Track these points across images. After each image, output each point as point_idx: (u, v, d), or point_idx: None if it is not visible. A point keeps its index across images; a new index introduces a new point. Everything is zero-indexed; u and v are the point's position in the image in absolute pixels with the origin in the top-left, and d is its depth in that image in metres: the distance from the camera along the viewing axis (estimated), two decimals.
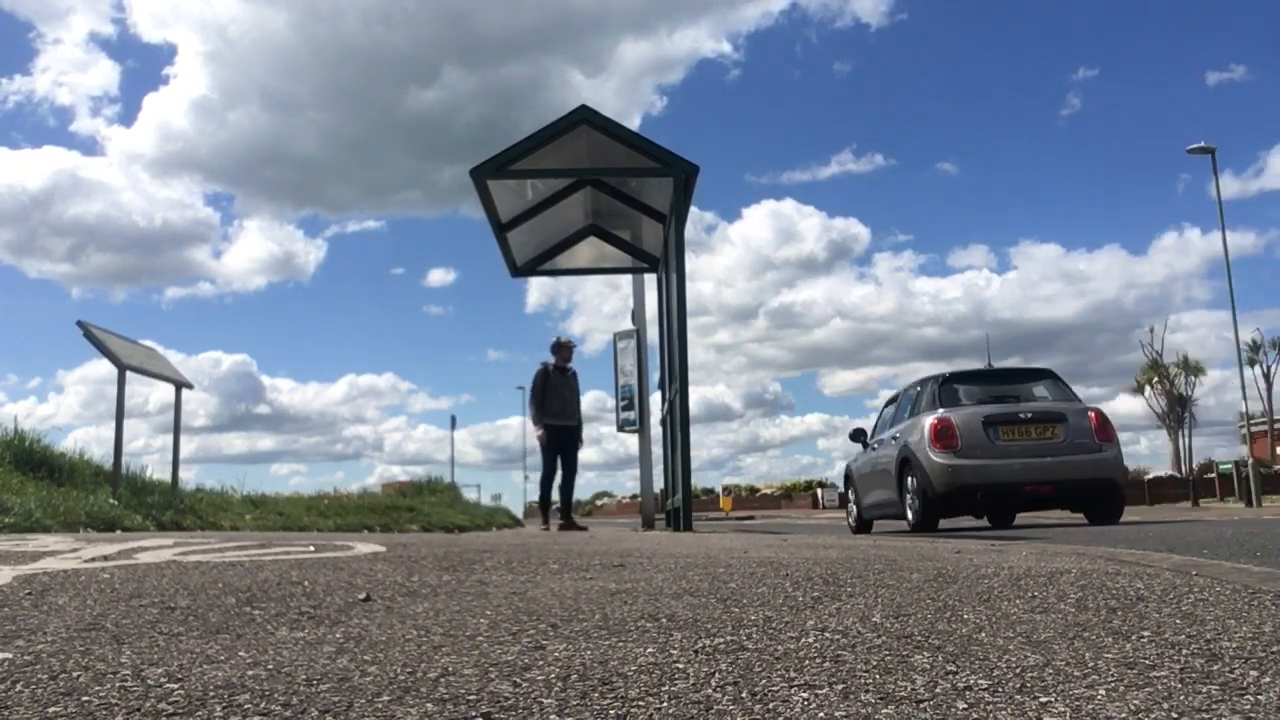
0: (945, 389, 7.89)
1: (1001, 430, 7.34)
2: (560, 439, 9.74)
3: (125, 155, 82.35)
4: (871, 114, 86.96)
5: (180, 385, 9.41)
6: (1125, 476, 8.47)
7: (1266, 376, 38.18)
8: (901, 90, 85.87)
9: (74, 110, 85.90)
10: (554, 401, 9.71)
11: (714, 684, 1.40)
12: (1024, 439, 7.30)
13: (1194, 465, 35.40)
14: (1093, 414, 7.62)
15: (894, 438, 8.24)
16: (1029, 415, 7.46)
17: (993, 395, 7.90)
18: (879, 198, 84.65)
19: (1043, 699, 1.30)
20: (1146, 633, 1.76)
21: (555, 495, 9.72)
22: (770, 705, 1.28)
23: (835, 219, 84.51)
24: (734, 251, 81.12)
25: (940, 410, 7.51)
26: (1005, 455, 7.21)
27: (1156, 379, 39.26)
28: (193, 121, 78.81)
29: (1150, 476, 28.95)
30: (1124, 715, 1.22)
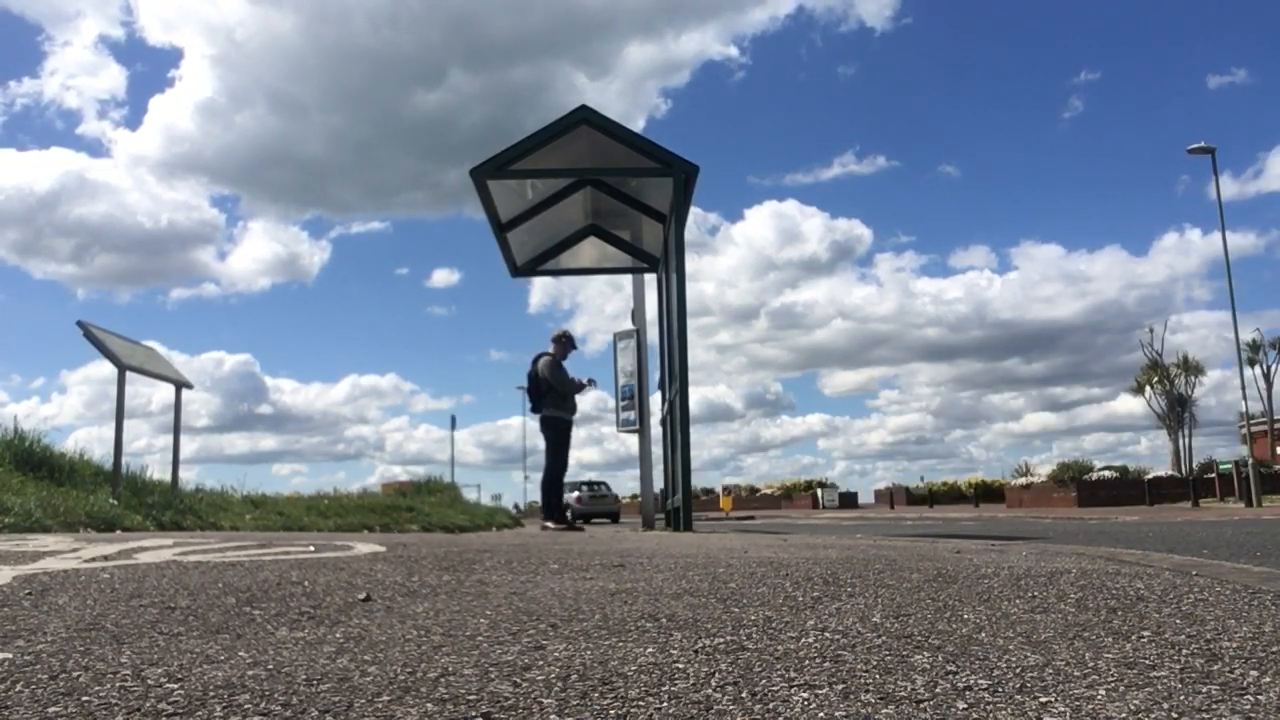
0: (580, 487, 30.82)
1: (591, 499, 30.61)
2: (570, 435, 9.55)
3: (131, 157, 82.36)
4: (875, 116, 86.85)
5: (180, 385, 9.41)
6: (620, 509, 32.02)
7: (1266, 376, 38.20)
8: (905, 93, 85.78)
9: (81, 113, 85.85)
10: (570, 399, 9.46)
11: (714, 684, 1.40)
12: (597, 501, 30.96)
13: (1194, 465, 35.41)
14: (614, 495, 32.37)
15: (569, 492, 29.78)
16: (600, 494, 31.43)
17: (592, 486, 31.94)
18: (881, 199, 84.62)
19: (1043, 699, 1.30)
20: (1146, 633, 1.76)
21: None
22: (770, 705, 1.28)
23: (838, 220, 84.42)
24: (737, 252, 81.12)
25: (576, 491, 29.71)
26: (594, 504, 30.46)
27: (1157, 379, 39.29)
28: (198, 124, 78.78)
29: (1150, 476, 28.88)
30: (1124, 715, 1.22)
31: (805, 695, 1.33)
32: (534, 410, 9.72)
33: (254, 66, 76.88)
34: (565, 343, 9.63)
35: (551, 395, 9.37)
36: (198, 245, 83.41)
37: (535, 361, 9.55)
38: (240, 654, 1.63)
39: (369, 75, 75.13)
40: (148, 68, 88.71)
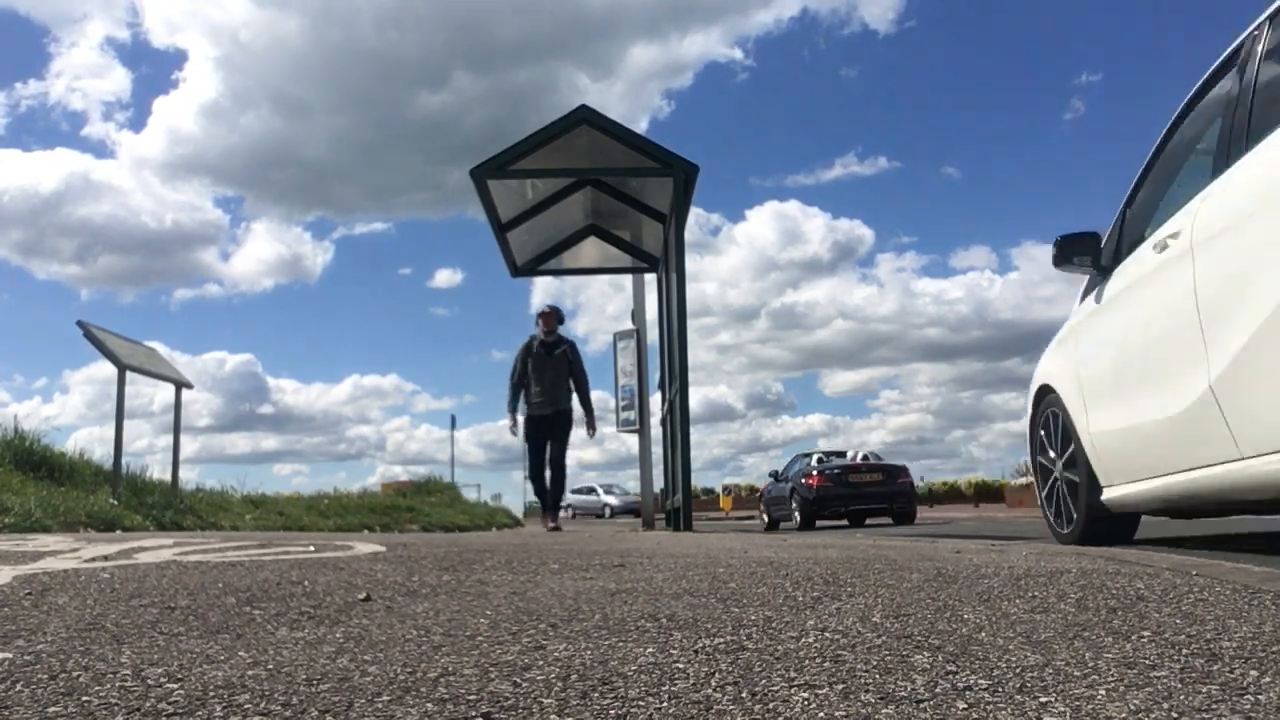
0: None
1: None
2: (539, 429, 8.68)
3: (135, 159, 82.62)
4: (877, 118, 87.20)
5: (180, 385, 9.40)
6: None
7: None
8: (907, 95, 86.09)
9: (86, 115, 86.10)
10: (533, 386, 8.63)
11: (714, 684, 1.40)
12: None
13: None
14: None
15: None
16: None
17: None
18: (883, 200, 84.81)
19: (1043, 699, 1.30)
20: (1146, 633, 1.76)
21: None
22: (770, 705, 1.28)
23: (839, 220, 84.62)
24: (739, 252, 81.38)
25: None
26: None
27: None
28: (202, 125, 79.07)
29: None
30: (1124, 715, 1.22)
31: (805, 695, 1.33)
32: None
33: (258, 68, 77.17)
34: (542, 320, 8.93)
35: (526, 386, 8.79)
36: (201, 246, 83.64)
37: None
38: (240, 654, 1.63)
39: (373, 77, 75.46)
40: (152, 69, 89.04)
